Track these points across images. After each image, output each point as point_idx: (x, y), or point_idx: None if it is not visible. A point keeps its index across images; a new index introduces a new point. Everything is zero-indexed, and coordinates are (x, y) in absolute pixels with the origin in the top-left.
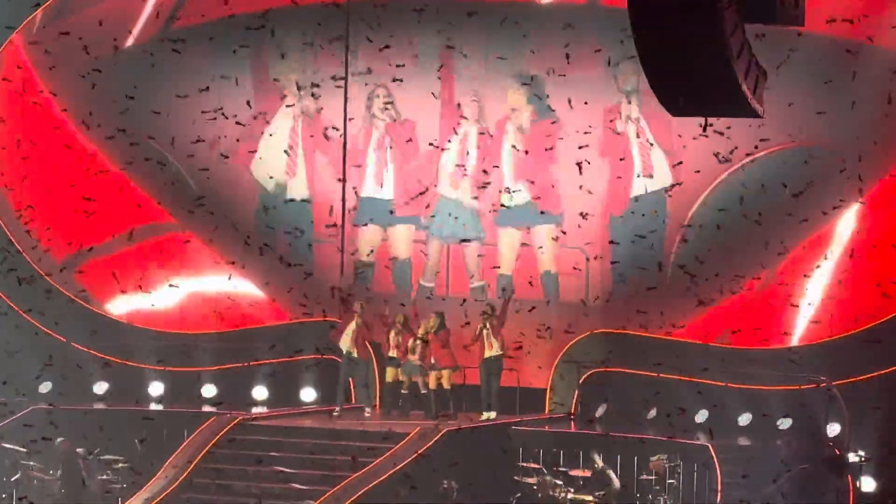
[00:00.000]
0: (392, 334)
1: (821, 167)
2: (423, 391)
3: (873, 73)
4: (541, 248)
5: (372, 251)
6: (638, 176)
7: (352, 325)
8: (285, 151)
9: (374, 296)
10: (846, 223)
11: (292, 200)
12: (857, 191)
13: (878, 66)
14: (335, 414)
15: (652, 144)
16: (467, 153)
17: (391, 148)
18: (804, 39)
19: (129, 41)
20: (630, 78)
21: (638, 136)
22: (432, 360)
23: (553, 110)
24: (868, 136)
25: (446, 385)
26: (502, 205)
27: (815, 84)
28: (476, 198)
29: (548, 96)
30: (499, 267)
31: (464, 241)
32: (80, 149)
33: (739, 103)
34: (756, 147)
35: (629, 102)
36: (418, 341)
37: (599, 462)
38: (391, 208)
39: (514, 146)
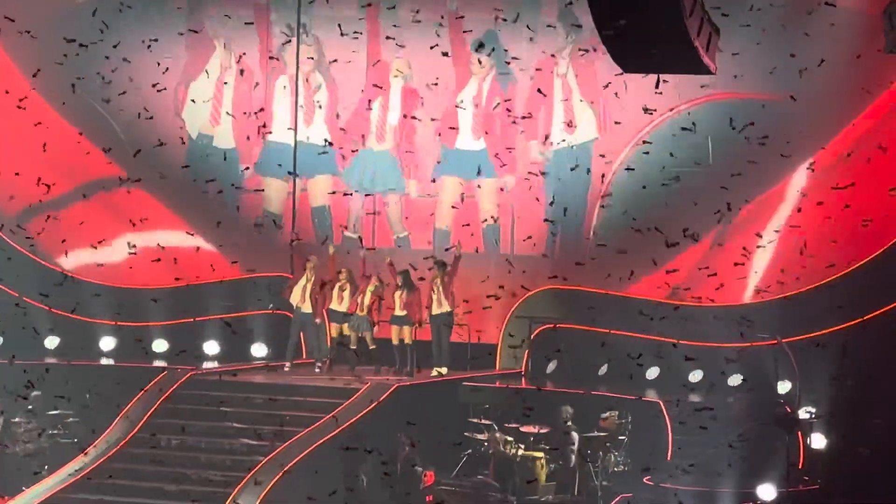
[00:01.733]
0: (336, 288)
1: (772, 121)
2: (371, 346)
3: (827, 31)
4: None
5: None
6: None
7: (302, 280)
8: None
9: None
10: (799, 179)
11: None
12: (810, 146)
13: (830, 22)
14: (286, 369)
15: (582, 101)
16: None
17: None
18: None
19: None
20: (560, 32)
21: (564, 92)
22: (403, 312)
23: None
24: (823, 91)
25: (408, 340)
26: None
27: (768, 39)
28: (389, 149)
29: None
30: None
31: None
32: (32, 104)
33: (692, 60)
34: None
35: (562, 56)
36: (367, 296)
37: (569, 419)
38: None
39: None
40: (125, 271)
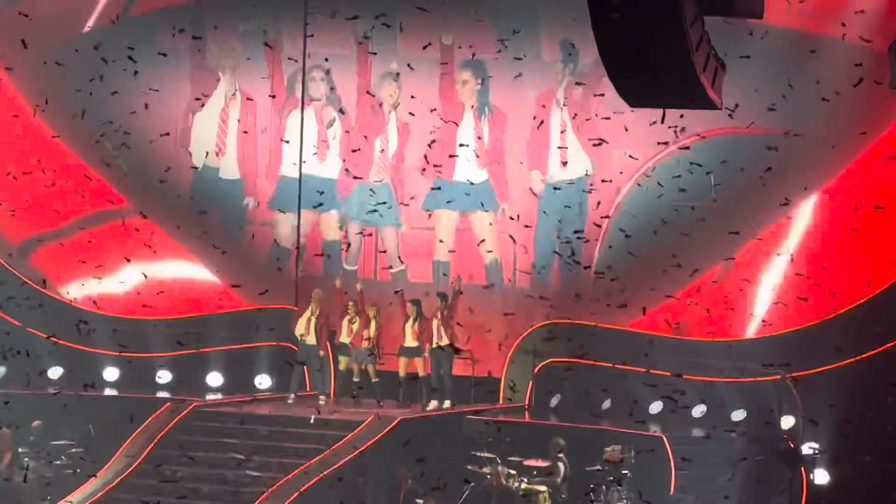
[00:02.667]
0: (346, 321)
1: (777, 156)
2: (374, 379)
3: (832, 65)
4: (483, 241)
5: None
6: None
7: (308, 312)
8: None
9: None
10: (804, 214)
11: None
12: (816, 181)
13: (837, 58)
14: (289, 401)
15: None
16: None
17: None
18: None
19: (87, 26)
20: (559, 67)
21: (563, 128)
22: (415, 343)
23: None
24: (828, 126)
25: (421, 373)
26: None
27: (774, 74)
28: (387, 181)
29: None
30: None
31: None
32: (36, 133)
33: (698, 95)
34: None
35: (559, 88)
36: (372, 327)
37: (561, 450)
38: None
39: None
40: (129, 302)
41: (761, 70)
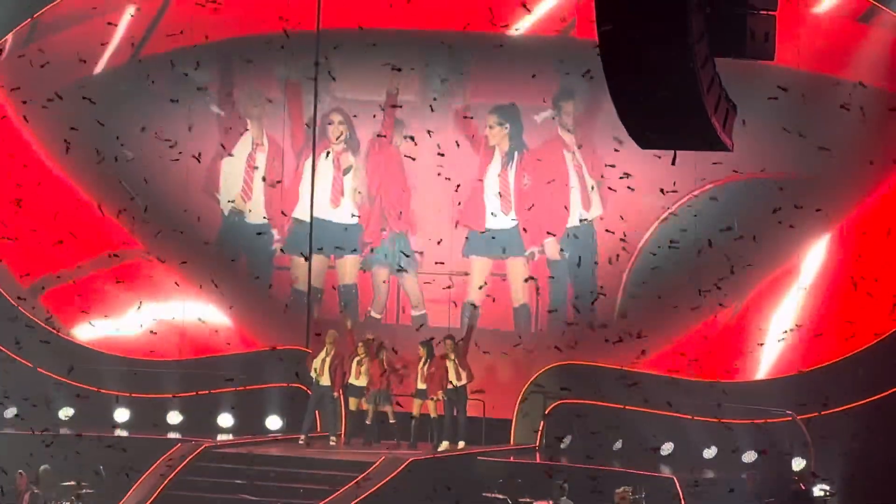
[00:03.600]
0: (355, 362)
1: (789, 198)
2: (391, 420)
3: (842, 107)
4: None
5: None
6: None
7: (322, 354)
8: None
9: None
10: (815, 255)
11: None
12: (826, 223)
13: (846, 100)
14: (300, 442)
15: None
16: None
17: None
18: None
19: (99, 68)
20: (570, 111)
21: (577, 170)
22: (424, 385)
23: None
24: (836, 168)
25: (433, 414)
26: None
27: (785, 116)
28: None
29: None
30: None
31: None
32: (47, 174)
33: (709, 136)
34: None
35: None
36: (387, 369)
37: (564, 494)
38: (361, 241)
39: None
40: (140, 343)
41: (773, 112)
